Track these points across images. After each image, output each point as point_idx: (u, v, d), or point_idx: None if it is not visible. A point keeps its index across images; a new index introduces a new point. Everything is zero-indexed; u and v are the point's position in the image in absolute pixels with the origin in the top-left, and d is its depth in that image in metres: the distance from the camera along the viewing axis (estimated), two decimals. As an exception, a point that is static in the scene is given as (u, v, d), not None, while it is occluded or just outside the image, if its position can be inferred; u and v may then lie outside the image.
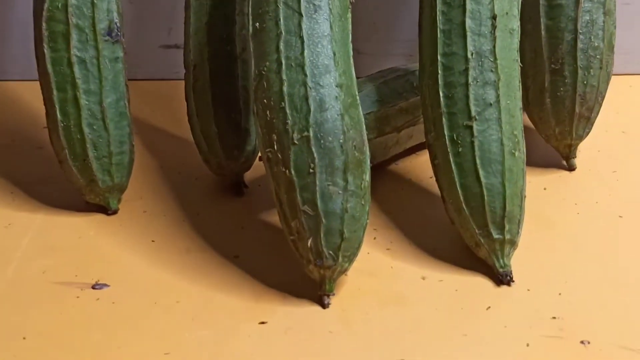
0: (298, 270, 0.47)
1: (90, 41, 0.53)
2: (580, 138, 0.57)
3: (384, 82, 0.57)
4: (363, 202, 0.46)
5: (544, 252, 0.51)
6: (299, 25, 0.46)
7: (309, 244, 0.45)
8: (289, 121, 0.45)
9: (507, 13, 0.50)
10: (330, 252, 0.45)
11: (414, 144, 0.59)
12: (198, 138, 0.56)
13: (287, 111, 0.45)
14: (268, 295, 0.47)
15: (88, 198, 0.54)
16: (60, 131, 0.53)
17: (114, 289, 0.48)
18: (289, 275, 0.48)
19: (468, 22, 0.49)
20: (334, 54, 0.46)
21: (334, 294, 0.46)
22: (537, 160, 0.58)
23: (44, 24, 0.53)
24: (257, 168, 0.55)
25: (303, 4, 0.47)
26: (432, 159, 0.50)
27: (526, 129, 0.53)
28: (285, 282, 0.48)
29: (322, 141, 0.45)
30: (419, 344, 0.44)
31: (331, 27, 0.47)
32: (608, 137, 0.62)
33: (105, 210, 0.54)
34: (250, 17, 0.48)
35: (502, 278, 0.48)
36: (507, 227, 0.48)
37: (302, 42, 0.46)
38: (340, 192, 0.45)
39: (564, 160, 0.58)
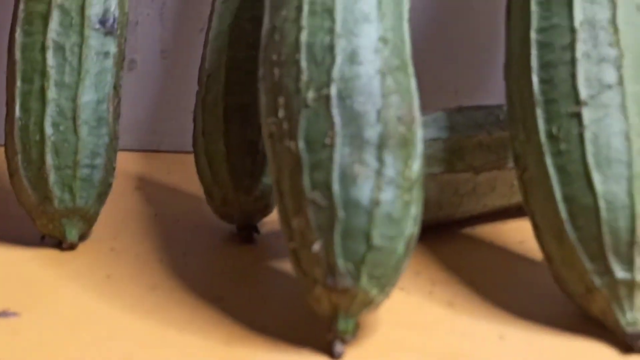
0: (302, 312, 0.31)
1: (74, 26, 0.41)
2: None
3: (458, 111, 0.42)
4: (407, 199, 0.29)
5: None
6: (332, -36, 0.33)
7: (315, 251, 0.29)
8: (302, 77, 0.30)
9: (631, -17, 0.36)
10: (349, 265, 0.28)
11: (497, 204, 0.43)
12: (201, 164, 0.41)
13: (302, 64, 0.31)
14: (249, 339, 0.31)
15: (39, 224, 0.39)
16: (16, 132, 0.39)
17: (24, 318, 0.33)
18: (288, 316, 0.32)
19: (576, -14, 0.35)
20: (379, 3, 0.33)
21: (351, 338, 0.29)
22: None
23: (21, 4, 0.41)
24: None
25: (341, -58, 0.34)
26: (520, 174, 0.34)
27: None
28: (280, 323, 0.31)
29: (348, 101, 0.30)
30: None
31: (377, -27, 0.34)
32: None
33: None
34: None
35: (631, 342, 0.30)
36: (638, 261, 0.30)
37: (334, -16, 0.33)
38: (370, 174, 0.29)
39: None
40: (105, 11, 0.41)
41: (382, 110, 0.30)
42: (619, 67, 0.33)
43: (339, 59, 0.30)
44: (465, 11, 0.55)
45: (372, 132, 0.29)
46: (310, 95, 0.30)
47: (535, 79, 0.34)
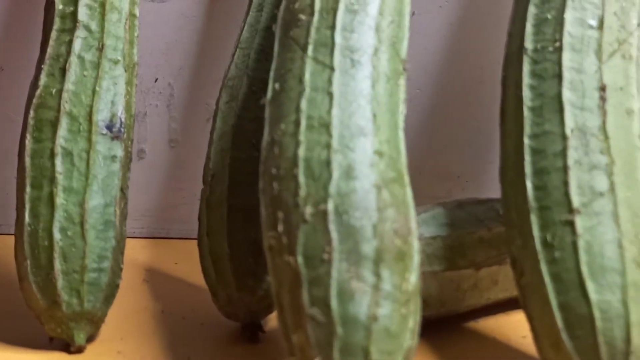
0: None
1: (82, 132, 0.42)
2: None
3: (458, 206, 0.43)
4: (405, 312, 0.30)
5: None
6: (329, 80, 0.34)
7: (314, 367, 0.29)
8: (300, 191, 0.31)
9: (621, 88, 0.36)
10: (349, 382, 0.29)
11: (500, 297, 0.43)
12: (206, 264, 0.42)
13: (300, 179, 0.32)
14: None
15: (47, 328, 0.40)
16: (25, 237, 0.40)
17: None
18: None
19: (566, 94, 0.36)
20: (374, 117, 0.34)
21: None
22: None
23: (31, 112, 0.43)
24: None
25: (337, 57, 0.35)
26: (518, 278, 0.34)
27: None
28: None
29: (344, 217, 0.31)
30: None
31: (373, 87, 0.35)
32: None
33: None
34: (271, 80, 0.36)
35: None
36: None
37: (331, 99, 0.34)
38: (367, 289, 0.30)
39: None
40: (112, 116, 0.43)
41: (378, 224, 0.31)
42: (610, 174, 0.33)
43: (335, 174, 0.31)
44: (466, 96, 0.56)
45: (368, 247, 0.30)
46: (309, 210, 0.31)
47: (529, 185, 0.34)
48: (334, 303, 0.29)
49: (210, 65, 0.58)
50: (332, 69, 0.35)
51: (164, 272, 0.51)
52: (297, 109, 0.34)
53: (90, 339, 0.41)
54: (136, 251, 0.53)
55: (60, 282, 0.39)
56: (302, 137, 0.33)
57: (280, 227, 0.31)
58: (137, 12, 0.46)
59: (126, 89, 0.44)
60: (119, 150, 0.42)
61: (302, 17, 0.36)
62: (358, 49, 0.35)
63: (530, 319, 0.33)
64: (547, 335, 0.32)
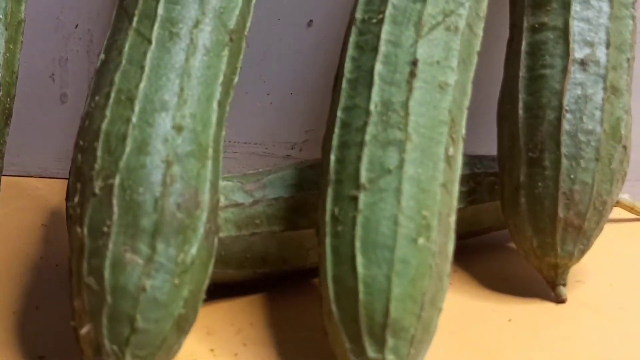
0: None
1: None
2: (571, 257, 0.41)
3: (310, 167, 0.44)
4: (178, 282, 0.32)
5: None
6: (144, 53, 0.36)
7: (85, 332, 0.31)
8: (96, 165, 0.33)
9: (438, 62, 0.37)
10: (114, 347, 0.31)
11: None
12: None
13: (98, 153, 0.33)
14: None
15: None
16: None
17: None
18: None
19: (378, 67, 0.36)
20: (181, 90, 0.35)
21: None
22: (518, 286, 0.43)
23: None
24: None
25: (157, 30, 0.36)
26: (317, 246, 0.36)
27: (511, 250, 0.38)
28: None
29: (128, 192, 0.33)
30: None
31: (187, 60, 0.36)
32: (620, 262, 0.46)
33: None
34: (102, 50, 0.38)
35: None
36: (389, 342, 0.32)
37: (142, 73, 0.35)
38: (140, 262, 0.32)
39: (550, 288, 0.42)
40: None
41: (159, 198, 0.33)
42: (402, 151, 0.34)
43: (128, 149, 0.33)
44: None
45: (147, 221, 0.32)
46: (99, 184, 0.33)
47: (332, 157, 0.36)
48: (107, 273, 0.32)
49: (127, 12, 0.59)
50: (149, 41, 0.36)
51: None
52: (111, 82, 0.35)
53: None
54: (54, 192, 0.56)
55: None
56: (108, 111, 0.34)
57: (76, 198, 0.33)
58: (26, -30, 0.47)
59: (6, 47, 0.46)
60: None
61: (134, -14, 0.38)
62: (179, 21, 0.36)
63: (319, 286, 0.35)
64: (324, 304, 0.34)
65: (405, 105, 0.35)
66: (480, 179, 0.46)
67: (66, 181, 0.57)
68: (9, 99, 0.46)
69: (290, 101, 0.58)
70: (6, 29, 0.46)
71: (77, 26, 0.58)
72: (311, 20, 0.56)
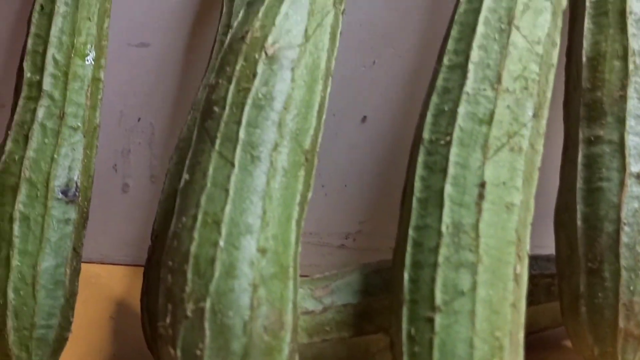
0: None
1: (39, 197, 0.47)
2: (631, 364, 0.43)
3: (376, 271, 0.46)
4: (265, 403, 0.34)
5: None
6: (228, 176, 0.38)
7: None
8: (187, 287, 0.36)
9: (504, 183, 0.39)
10: None
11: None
12: (144, 319, 0.46)
13: (188, 276, 0.36)
14: None
15: (0, 379, 0.46)
16: (-19, 295, 0.46)
17: None
18: None
19: (448, 189, 0.38)
20: (264, 213, 0.37)
21: None
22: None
23: None
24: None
25: (239, 153, 0.39)
26: (393, 361, 0.38)
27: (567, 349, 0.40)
28: None
29: (219, 315, 0.35)
30: None
31: (268, 183, 0.38)
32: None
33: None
34: (185, 169, 0.40)
35: None
36: None
37: (227, 196, 0.37)
38: (231, 385, 0.34)
39: (610, 394, 0.43)
40: (69, 181, 0.47)
41: (248, 322, 0.35)
42: (474, 273, 0.36)
43: (217, 273, 0.35)
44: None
45: (237, 344, 0.34)
46: (190, 306, 0.35)
47: (406, 276, 0.37)
48: (201, 397, 0.34)
49: (188, 107, 0.62)
50: (232, 164, 0.38)
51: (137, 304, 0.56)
52: (197, 204, 0.37)
53: (41, 386, 0.46)
54: (116, 279, 0.58)
55: (11, 338, 0.45)
56: (196, 233, 0.37)
57: (168, 319, 0.35)
58: (102, 75, 0.50)
59: (84, 153, 0.48)
60: (72, 214, 0.47)
61: (216, 109, 0.40)
62: (259, 144, 0.39)
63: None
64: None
65: (476, 227, 0.37)
66: (536, 281, 0.48)
67: (128, 267, 0.61)
68: (86, 203, 0.48)
69: (344, 193, 0.60)
70: (84, 136, 0.48)
71: (139, 119, 0.61)
72: (365, 117, 0.58)
